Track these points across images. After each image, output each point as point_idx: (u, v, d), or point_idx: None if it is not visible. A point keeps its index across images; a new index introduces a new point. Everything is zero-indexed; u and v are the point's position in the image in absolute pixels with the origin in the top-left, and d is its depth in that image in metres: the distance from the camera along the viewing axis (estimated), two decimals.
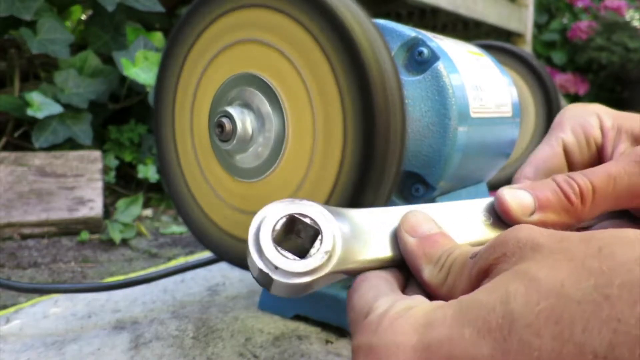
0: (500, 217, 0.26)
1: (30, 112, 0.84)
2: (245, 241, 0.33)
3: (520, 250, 0.18)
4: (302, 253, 0.22)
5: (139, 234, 0.79)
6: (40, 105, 0.85)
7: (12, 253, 0.69)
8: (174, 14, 1.31)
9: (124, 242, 0.75)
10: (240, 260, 0.34)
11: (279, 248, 0.21)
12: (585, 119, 0.30)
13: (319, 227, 0.22)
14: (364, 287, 0.22)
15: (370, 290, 0.22)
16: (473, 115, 0.41)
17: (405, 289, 0.24)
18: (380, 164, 0.28)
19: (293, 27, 0.30)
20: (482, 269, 0.19)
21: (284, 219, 0.22)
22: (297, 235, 0.23)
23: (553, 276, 0.16)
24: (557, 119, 0.32)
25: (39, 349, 0.43)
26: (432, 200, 0.43)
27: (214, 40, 0.33)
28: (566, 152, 0.30)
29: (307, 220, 0.22)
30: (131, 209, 0.81)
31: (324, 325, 0.47)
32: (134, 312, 0.51)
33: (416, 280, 0.23)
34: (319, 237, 0.22)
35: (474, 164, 0.45)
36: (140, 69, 0.90)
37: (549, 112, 0.68)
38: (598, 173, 0.26)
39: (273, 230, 0.22)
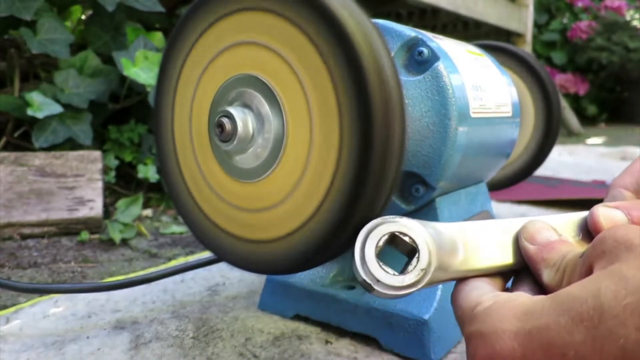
0: (591, 235, 0.27)
1: (30, 112, 0.84)
2: (245, 240, 0.33)
3: (616, 249, 0.20)
4: (403, 267, 0.25)
5: (139, 234, 0.79)
6: (40, 105, 0.85)
7: (12, 253, 0.69)
8: (174, 14, 1.31)
9: (124, 242, 0.75)
10: (240, 260, 0.34)
11: (381, 263, 0.25)
12: None
13: (417, 245, 0.25)
14: (467, 288, 0.26)
15: (473, 290, 0.25)
16: (473, 115, 0.41)
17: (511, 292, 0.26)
18: (379, 164, 0.28)
19: (291, 30, 0.30)
20: (587, 267, 0.22)
21: (387, 236, 0.25)
22: (396, 248, 0.26)
23: (639, 274, 0.19)
24: None
25: (39, 349, 0.43)
26: (431, 200, 0.43)
27: (214, 42, 0.33)
28: None
29: (407, 239, 0.25)
30: (131, 209, 0.81)
31: (324, 325, 0.47)
32: (134, 312, 0.51)
33: (524, 284, 0.26)
34: (417, 254, 0.25)
35: (474, 164, 0.45)
36: (140, 69, 0.90)
37: (549, 112, 0.68)
38: None
39: (377, 246, 0.25)
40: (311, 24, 0.29)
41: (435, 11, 2.23)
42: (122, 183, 1.00)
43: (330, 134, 0.29)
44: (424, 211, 0.43)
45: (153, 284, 0.55)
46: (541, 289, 0.25)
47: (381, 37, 0.29)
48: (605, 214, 0.26)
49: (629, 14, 3.40)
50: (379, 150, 0.27)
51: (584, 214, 0.27)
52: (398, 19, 2.33)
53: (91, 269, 0.64)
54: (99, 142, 1.00)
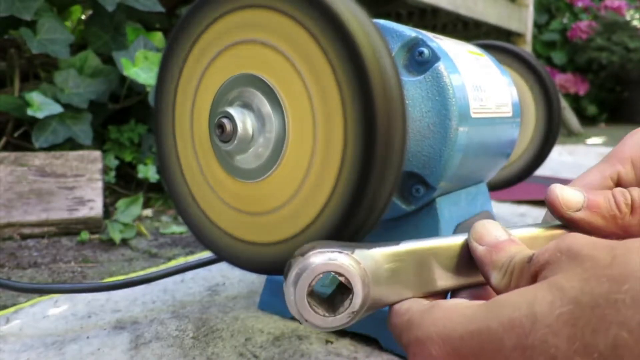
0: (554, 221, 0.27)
1: (30, 112, 0.84)
2: (246, 242, 0.33)
3: (559, 260, 0.20)
4: (333, 304, 0.25)
5: (139, 234, 0.79)
6: (40, 105, 0.85)
7: (12, 253, 0.69)
8: (174, 14, 1.31)
9: (124, 242, 0.75)
10: (239, 260, 0.34)
11: (312, 303, 0.24)
12: None
13: (352, 287, 0.24)
14: (398, 308, 0.25)
15: (403, 306, 0.25)
16: (473, 115, 0.41)
17: None
18: (381, 164, 0.28)
19: (293, 28, 0.29)
20: (532, 275, 0.21)
21: (321, 276, 0.25)
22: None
23: (576, 285, 0.18)
24: (619, 145, 0.30)
25: (39, 349, 0.43)
26: (432, 200, 0.43)
27: (215, 41, 0.33)
28: (621, 187, 0.28)
29: (342, 279, 0.25)
30: (131, 209, 0.81)
31: None
32: (134, 312, 0.51)
33: (465, 292, 0.26)
34: (350, 296, 0.24)
35: (474, 164, 0.45)
36: (140, 68, 0.90)
37: (549, 112, 0.68)
38: None
39: (309, 285, 0.24)
40: (315, 22, 0.28)
41: (435, 11, 2.23)
42: (122, 183, 1.00)
43: (334, 134, 0.29)
44: (424, 211, 0.43)
45: (153, 284, 0.55)
46: (483, 296, 0.25)
47: (382, 38, 0.29)
48: (562, 188, 0.26)
49: (629, 14, 3.40)
50: (381, 151, 0.27)
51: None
52: (398, 19, 2.33)
53: (91, 269, 0.64)
54: (99, 142, 1.00)
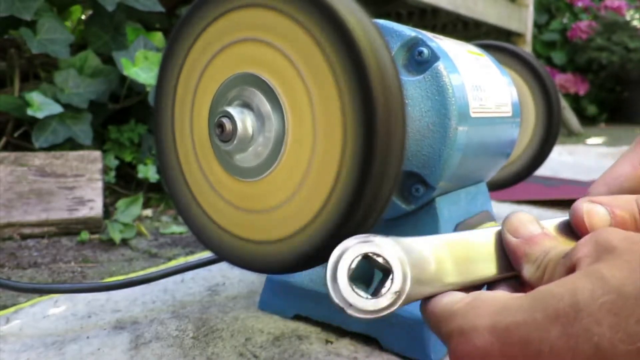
0: (572, 233, 0.26)
1: (30, 112, 0.84)
2: (247, 240, 0.33)
3: (597, 252, 0.21)
4: (375, 289, 0.25)
5: (139, 234, 0.79)
6: (40, 105, 0.85)
7: (12, 253, 0.69)
8: (174, 14, 1.31)
9: (124, 242, 0.75)
10: (240, 260, 0.34)
11: (354, 286, 0.24)
12: None
13: (391, 267, 0.24)
14: (438, 297, 0.25)
15: (445, 297, 0.25)
16: (473, 115, 0.41)
17: None
18: (381, 164, 0.28)
19: (293, 27, 0.30)
20: (569, 268, 0.22)
21: (360, 258, 0.25)
22: (370, 264, 0.25)
23: (618, 275, 0.19)
24: None
25: (39, 349, 0.43)
26: (431, 200, 0.43)
27: (214, 40, 0.33)
28: None
29: (380, 260, 0.25)
30: (131, 209, 0.81)
31: (324, 325, 0.47)
32: (134, 312, 0.51)
33: (502, 284, 0.26)
34: (390, 276, 0.24)
35: (474, 164, 0.45)
36: (140, 68, 0.90)
37: (549, 112, 0.68)
38: None
39: (349, 269, 0.24)
40: (314, 21, 0.29)
41: (435, 11, 2.23)
42: (122, 183, 1.00)
43: (333, 133, 0.29)
44: (424, 211, 0.43)
45: (153, 284, 0.55)
46: (520, 288, 0.25)
47: (382, 37, 0.29)
48: (589, 209, 0.26)
49: (629, 14, 3.40)
50: (381, 150, 0.27)
51: (564, 217, 0.27)
52: (398, 19, 2.33)
53: (91, 269, 0.64)
54: (99, 142, 1.00)
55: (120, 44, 0.99)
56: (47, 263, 0.66)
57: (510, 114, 0.49)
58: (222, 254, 0.35)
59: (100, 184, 0.81)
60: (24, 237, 0.75)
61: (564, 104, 2.58)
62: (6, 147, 0.91)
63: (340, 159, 0.28)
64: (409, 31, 0.41)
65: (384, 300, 0.24)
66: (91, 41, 0.98)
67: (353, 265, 0.24)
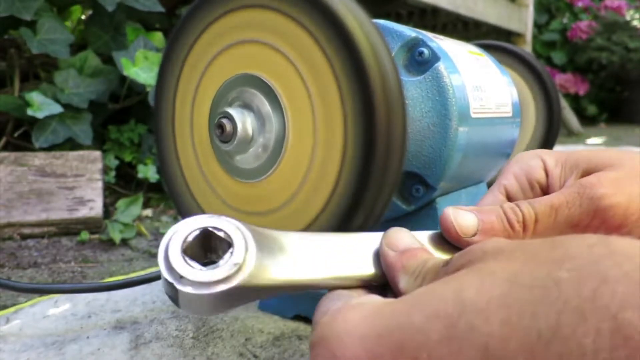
0: (446, 243, 0.26)
1: (30, 112, 0.84)
2: None
3: (484, 254, 0.19)
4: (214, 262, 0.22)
5: (139, 234, 0.79)
6: (40, 105, 0.85)
7: (12, 253, 0.69)
8: (174, 14, 1.31)
9: (124, 242, 0.75)
10: None
11: (186, 258, 0.21)
12: (527, 163, 0.31)
13: (231, 240, 0.22)
14: (325, 300, 0.23)
15: (327, 299, 0.23)
16: (473, 115, 0.41)
17: None
18: (381, 164, 0.28)
19: (293, 28, 0.30)
20: (453, 273, 0.20)
21: (197, 232, 0.22)
22: (215, 254, 0.22)
23: (509, 268, 0.17)
24: (503, 167, 0.33)
25: (39, 349, 0.43)
26: (432, 200, 0.43)
27: (215, 41, 0.33)
28: (510, 198, 0.31)
29: (221, 234, 0.22)
30: (131, 209, 0.81)
31: None
32: (134, 312, 0.51)
33: (377, 292, 0.24)
34: (230, 249, 0.22)
35: (474, 164, 0.45)
36: (140, 68, 0.90)
37: (549, 112, 0.68)
38: (542, 203, 0.27)
39: (184, 241, 0.21)
40: (315, 22, 0.28)
41: (435, 11, 2.23)
42: (122, 183, 1.00)
43: (334, 134, 0.29)
44: (424, 211, 0.43)
45: (153, 284, 0.55)
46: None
47: (382, 38, 0.29)
48: (456, 213, 0.26)
49: (629, 14, 3.40)
50: (381, 151, 0.27)
51: (435, 231, 0.27)
52: (398, 19, 2.33)
53: (91, 269, 0.64)
54: (99, 142, 1.00)
55: (120, 44, 0.99)
56: (47, 263, 0.66)
57: (510, 114, 0.49)
58: None
59: (100, 184, 0.81)
60: (24, 237, 0.75)
61: (564, 104, 2.58)
62: (6, 147, 0.91)
63: (340, 160, 0.28)
64: (409, 31, 0.41)
65: (222, 271, 0.21)
66: (91, 41, 0.98)
67: (189, 238, 0.22)
